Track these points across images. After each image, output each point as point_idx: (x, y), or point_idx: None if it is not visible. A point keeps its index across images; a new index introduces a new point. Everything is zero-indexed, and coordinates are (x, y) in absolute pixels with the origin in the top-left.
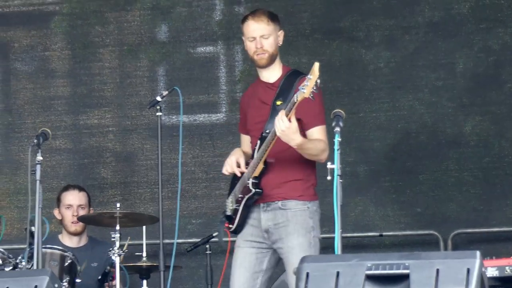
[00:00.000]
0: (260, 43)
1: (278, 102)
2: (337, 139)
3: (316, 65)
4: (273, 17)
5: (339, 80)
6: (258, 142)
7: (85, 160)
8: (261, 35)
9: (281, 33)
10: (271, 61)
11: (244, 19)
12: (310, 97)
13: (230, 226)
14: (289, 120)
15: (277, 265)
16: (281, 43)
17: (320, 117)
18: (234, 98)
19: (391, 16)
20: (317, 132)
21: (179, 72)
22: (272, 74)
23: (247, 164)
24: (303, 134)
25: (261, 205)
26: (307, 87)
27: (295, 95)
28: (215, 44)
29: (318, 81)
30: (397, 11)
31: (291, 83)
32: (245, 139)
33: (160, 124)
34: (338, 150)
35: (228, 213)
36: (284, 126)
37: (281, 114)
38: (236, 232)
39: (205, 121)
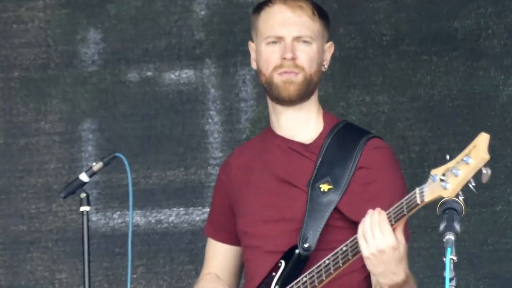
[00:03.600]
0: (292, 50)
1: (325, 187)
2: (450, 257)
3: (485, 138)
4: (322, 12)
5: (452, 134)
6: (282, 263)
7: None
8: (296, 35)
9: (330, 47)
10: (306, 92)
11: (262, 3)
12: (460, 203)
13: None
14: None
15: None
16: (327, 66)
17: (404, 227)
18: None
19: None
20: None
21: (125, 122)
22: (303, 122)
23: None
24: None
25: None
26: (456, 179)
27: (418, 189)
28: (198, 66)
29: (488, 172)
30: None
31: (348, 148)
32: (221, 252)
33: (87, 229)
34: (453, 279)
35: None
36: (386, 244)
37: (380, 218)
38: None
39: (181, 223)
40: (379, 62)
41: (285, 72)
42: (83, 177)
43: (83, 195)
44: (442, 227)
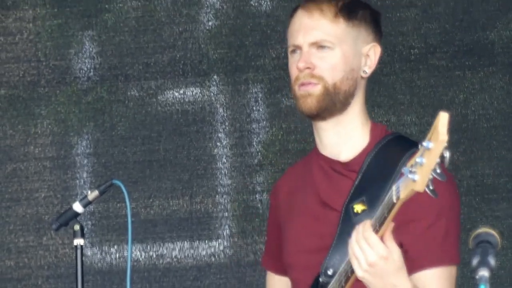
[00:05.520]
0: (306, 58)
1: (358, 207)
2: None
3: (443, 117)
4: (354, 9)
5: (488, 159)
6: None
7: None
8: (312, 41)
9: (373, 49)
10: (330, 103)
11: (294, 11)
12: (428, 191)
13: None
14: (382, 239)
15: None
16: (369, 71)
17: (446, 248)
18: (252, 206)
19: None
20: (433, 280)
21: (123, 146)
22: (345, 138)
23: None
24: None
25: None
26: (422, 168)
27: (394, 186)
28: (205, 83)
29: (447, 155)
30: None
31: (391, 164)
32: (279, 286)
33: (81, 265)
34: None
35: None
36: (376, 255)
37: (364, 228)
38: None
39: (185, 258)
40: (406, 78)
41: (302, 84)
42: (77, 207)
43: (76, 227)
44: (475, 262)
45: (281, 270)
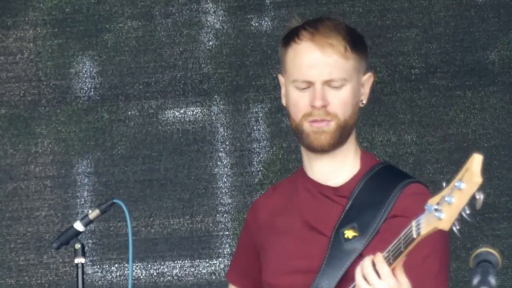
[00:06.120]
0: (322, 96)
1: (349, 233)
2: None
3: (477, 159)
4: (356, 41)
5: (488, 179)
6: None
7: None
8: (327, 79)
9: (368, 79)
10: (340, 139)
11: (290, 36)
12: (455, 231)
13: None
14: (393, 272)
15: None
16: (365, 101)
17: (440, 281)
18: None
19: None
20: None
21: (124, 165)
22: (338, 167)
23: None
24: None
25: None
26: (450, 207)
27: (414, 222)
28: (205, 102)
29: (481, 197)
30: None
31: (383, 193)
32: None
33: (82, 283)
34: None
35: None
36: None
37: (376, 260)
38: None
39: (185, 276)
40: (407, 97)
41: (315, 121)
42: (78, 225)
43: (77, 245)
44: (475, 281)
45: (245, 285)
